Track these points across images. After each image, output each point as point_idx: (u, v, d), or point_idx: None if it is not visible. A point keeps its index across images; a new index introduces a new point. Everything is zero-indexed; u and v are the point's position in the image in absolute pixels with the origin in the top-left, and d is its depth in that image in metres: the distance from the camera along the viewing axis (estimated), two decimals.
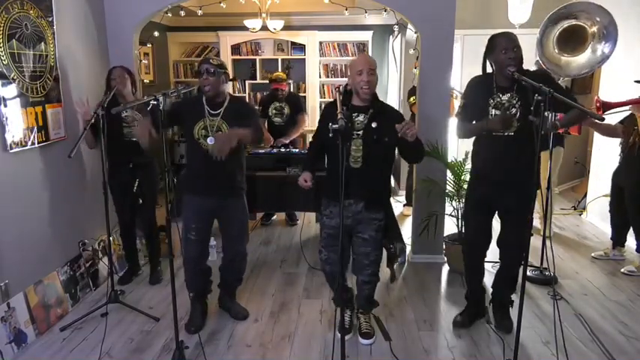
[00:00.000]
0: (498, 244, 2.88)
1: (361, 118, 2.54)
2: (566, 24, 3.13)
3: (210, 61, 2.69)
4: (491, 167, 2.68)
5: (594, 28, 3.06)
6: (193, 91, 4.75)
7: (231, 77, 2.91)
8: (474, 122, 2.73)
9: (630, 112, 3.60)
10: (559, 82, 3.48)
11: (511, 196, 2.64)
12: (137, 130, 2.74)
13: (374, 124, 2.52)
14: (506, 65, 2.53)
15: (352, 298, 2.95)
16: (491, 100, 2.63)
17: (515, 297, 3.24)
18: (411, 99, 4.98)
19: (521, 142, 2.57)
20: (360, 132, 2.53)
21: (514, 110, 2.58)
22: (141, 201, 3.44)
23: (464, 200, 2.96)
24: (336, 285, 2.82)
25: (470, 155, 2.98)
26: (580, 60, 3.18)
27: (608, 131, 3.82)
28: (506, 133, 2.59)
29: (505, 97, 2.61)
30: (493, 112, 2.63)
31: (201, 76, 2.67)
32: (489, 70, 2.71)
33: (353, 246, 2.72)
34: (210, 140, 2.68)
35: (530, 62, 3.38)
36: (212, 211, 2.84)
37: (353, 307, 2.96)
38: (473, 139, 2.82)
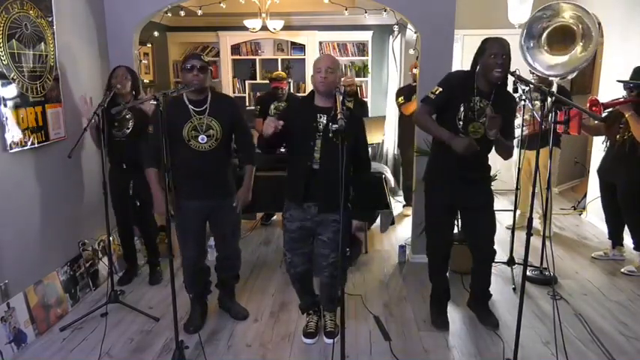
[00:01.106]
0: (472, 245, 2.91)
1: (323, 119, 2.51)
2: (552, 25, 3.12)
3: (201, 57, 2.67)
4: (457, 168, 2.68)
5: (581, 26, 3.05)
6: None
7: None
8: (438, 121, 2.69)
9: (613, 109, 3.62)
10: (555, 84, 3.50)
11: (478, 192, 2.72)
12: (155, 203, 2.81)
13: (334, 127, 2.45)
14: (493, 69, 2.54)
15: (317, 302, 2.95)
16: (465, 103, 2.63)
17: (515, 297, 3.25)
18: (400, 99, 4.97)
19: (487, 145, 2.67)
20: (321, 133, 2.49)
21: (483, 119, 2.59)
22: (138, 203, 3.44)
23: (425, 201, 2.92)
24: (300, 289, 2.84)
25: (429, 157, 2.98)
26: (567, 58, 3.17)
27: (595, 130, 3.85)
28: (474, 137, 2.61)
29: (480, 103, 2.62)
30: (461, 116, 2.63)
31: (189, 72, 2.59)
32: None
33: (314, 247, 2.71)
34: (201, 139, 2.66)
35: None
36: (205, 213, 2.83)
37: (319, 311, 2.96)
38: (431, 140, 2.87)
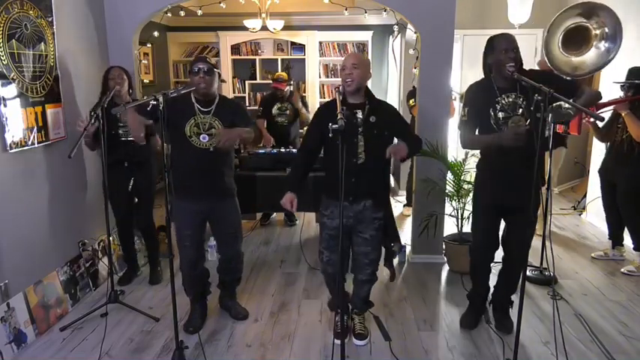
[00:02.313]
0: (504, 244, 2.88)
1: (359, 114, 2.53)
2: (572, 24, 3.11)
3: (207, 60, 2.67)
4: (503, 168, 2.66)
5: (598, 31, 3.05)
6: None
7: (221, 79, 2.89)
8: (478, 133, 2.70)
9: (611, 113, 3.64)
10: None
11: (520, 196, 2.61)
12: (129, 124, 2.68)
13: (372, 119, 2.53)
14: (506, 64, 2.52)
15: (348, 301, 2.94)
16: (497, 104, 2.61)
17: (515, 297, 3.25)
18: (411, 101, 4.97)
19: (530, 141, 2.52)
20: (361, 128, 2.52)
21: (520, 110, 2.56)
22: (136, 200, 3.44)
23: (472, 202, 2.93)
24: (336, 288, 2.81)
25: (476, 156, 2.97)
26: (584, 59, 3.16)
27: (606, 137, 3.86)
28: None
29: (510, 99, 2.59)
30: (500, 115, 2.60)
31: (196, 74, 2.62)
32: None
33: (353, 245, 2.71)
34: (203, 138, 2.67)
35: (530, 63, 3.37)
36: (204, 214, 2.82)
37: (347, 311, 2.95)
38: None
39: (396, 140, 2.67)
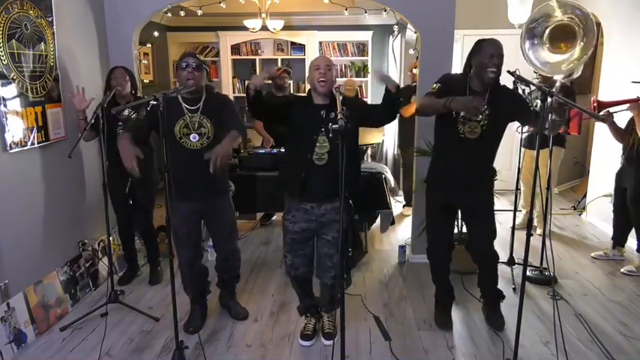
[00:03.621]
0: (470, 248, 2.92)
1: (324, 114, 2.50)
2: (551, 25, 3.12)
3: (196, 55, 2.66)
4: (457, 169, 2.70)
5: (578, 22, 3.05)
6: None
7: (210, 79, 2.87)
8: (435, 124, 2.79)
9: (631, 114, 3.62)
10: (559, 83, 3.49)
11: (471, 195, 2.71)
12: (120, 150, 2.58)
13: (334, 127, 2.43)
14: (488, 69, 2.55)
15: (316, 304, 2.93)
16: None
17: (514, 297, 3.25)
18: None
19: (485, 146, 2.68)
20: (323, 129, 2.48)
21: (480, 117, 2.61)
22: (131, 202, 3.44)
23: (425, 203, 2.94)
24: (303, 291, 2.83)
25: (431, 158, 3.00)
26: (568, 57, 3.17)
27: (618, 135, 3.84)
28: (465, 137, 2.64)
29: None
30: (460, 115, 2.63)
31: (184, 69, 2.59)
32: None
33: (317, 247, 2.69)
34: (193, 137, 2.67)
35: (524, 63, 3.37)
36: (198, 213, 2.82)
37: (317, 313, 2.93)
38: (433, 141, 2.90)
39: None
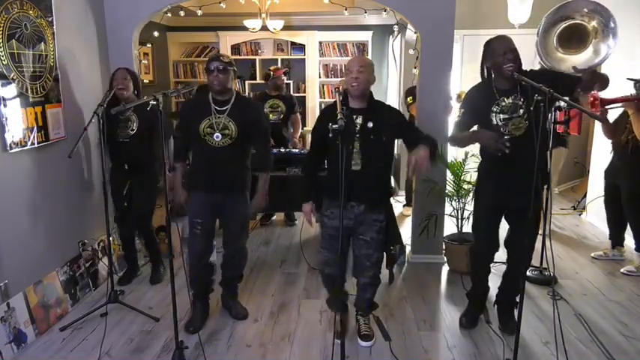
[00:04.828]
0: (507, 245, 2.87)
1: (359, 120, 2.52)
2: (563, 25, 3.12)
3: (221, 58, 2.73)
4: (503, 168, 2.66)
5: (594, 23, 3.04)
6: (192, 91, 4.75)
7: (237, 75, 2.97)
8: (462, 134, 2.74)
9: (622, 111, 3.61)
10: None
11: (520, 197, 2.60)
12: (176, 199, 2.97)
13: (370, 124, 2.50)
14: (504, 65, 2.52)
15: (346, 300, 2.94)
16: (496, 107, 2.61)
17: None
18: (409, 99, 4.97)
19: (531, 141, 2.49)
20: (358, 134, 2.51)
21: (521, 111, 2.56)
22: (126, 204, 3.45)
23: (473, 203, 2.94)
24: (334, 287, 2.81)
25: (476, 156, 2.97)
26: (583, 58, 3.16)
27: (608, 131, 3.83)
28: (518, 133, 2.57)
29: (509, 100, 2.59)
30: (501, 117, 2.60)
31: (211, 73, 2.71)
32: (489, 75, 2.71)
33: (354, 248, 2.70)
34: (216, 137, 2.75)
35: (529, 63, 3.36)
36: (216, 206, 2.87)
37: (347, 310, 2.94)
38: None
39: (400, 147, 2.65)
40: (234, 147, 2.79)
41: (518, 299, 2.89)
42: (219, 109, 2.77)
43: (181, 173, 2.99)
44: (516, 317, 2.86)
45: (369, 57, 6.48)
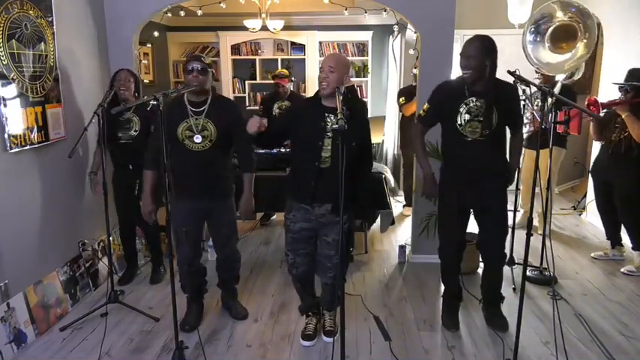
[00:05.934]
0: (479, 245, 2.91)
1: (331, 118, 2.46)
2: (551, 27, 3.14)
3: (202, 59, 2.69)
4: (465, 168, 2.71)
5: (580, 24, 3.06)
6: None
7: (215, 78, 2.91)
8: (442, 136, 2.83)
9: (609, 110, 3.63)
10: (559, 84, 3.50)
11: (484, 196, 2.71)
12: (143, 207, 2.87)
13: (334, 127, 2.42)
14: (461, 71, 2.58)
15: (318, 303, 2.93)
16: (463, 106, 2.64)
17: (514, 297, 3.25)
18: (401, 100, 4.98)
19: (491, 144, 2.66)
20: (329, 133, 2.46)
21: (481, 118, 2.61)
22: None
23: (438, 204, 2.95)
24: (304, 290, 2.83)
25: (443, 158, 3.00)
26: (573, 55, 3.17)
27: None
28: (470, 138, 2.64)
29: (478, 103, 2.62)
30: (466, 118, 2.64)
31: (190, 73, 2.64)
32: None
33: (317, 248, 2.69)
34: (196, 138, 2.68)
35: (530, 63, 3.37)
36: (202, 213, 2.84)
37: (318, 313, 2.94)
38: (441, 140, 2.89)
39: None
40: (215, 149, 2.72)
41: (505, 294, 3.00)
42: (195, 110, 2.70)
43: (153, 182, 2.79)
44: (506, 314, 2.94)
45: (369, 57, 6.49)
